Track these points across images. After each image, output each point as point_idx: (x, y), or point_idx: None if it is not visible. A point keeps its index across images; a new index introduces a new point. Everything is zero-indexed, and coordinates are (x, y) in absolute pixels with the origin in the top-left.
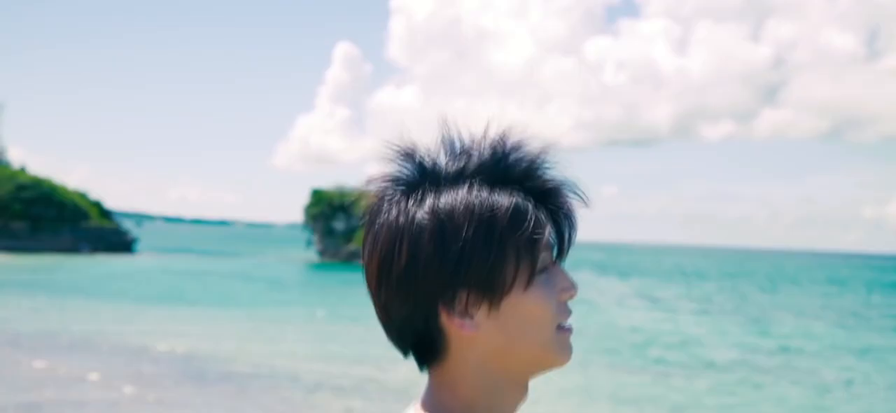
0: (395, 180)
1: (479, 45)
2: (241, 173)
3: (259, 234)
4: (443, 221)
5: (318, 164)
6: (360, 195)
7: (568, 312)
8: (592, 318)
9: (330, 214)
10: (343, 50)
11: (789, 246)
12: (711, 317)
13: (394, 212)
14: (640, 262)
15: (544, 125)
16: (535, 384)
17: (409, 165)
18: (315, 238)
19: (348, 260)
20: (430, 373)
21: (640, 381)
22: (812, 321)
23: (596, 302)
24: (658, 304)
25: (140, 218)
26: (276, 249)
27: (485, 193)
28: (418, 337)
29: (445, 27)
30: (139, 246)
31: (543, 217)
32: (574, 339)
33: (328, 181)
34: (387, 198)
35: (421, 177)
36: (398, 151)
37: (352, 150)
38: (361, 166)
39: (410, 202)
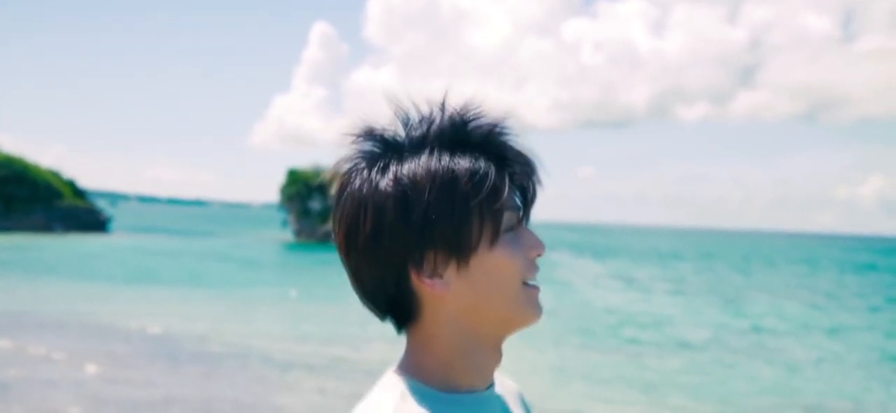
0: (360, 156)
1: (456, 25)
2: (218, 153)
3: (235, 215)
4: (405, 187)
5: (294, 144)
6: (333, 176)
7: (535, 270)
8: (567, 298)
9: (306, 194)
10: (320, 30)
11: (764, 227)
12: (686, 297)
13: (357, 182)
14: (615, 244)
15: (522, 106)
16: (509, 364)
17: (371, 141)
18: (291, 218)
19: (324, 240)
20: (407, 335)
21: (613, 361)
22: (784, 301)
23: (571, 282)
24: (633, 284)
25: (114, 197)
26: (251, 230)
27: (446, 158)
28: (391, 300)
29: (423, 7)
30: (113, 225)
31: (504, 177)
32: (548, 319)
33: (305, 161)
34: (352, 171)
35: (383, 149)
36: (358, 133)
37: (329, 129)
38: (338, 146)
39: (373, 172)
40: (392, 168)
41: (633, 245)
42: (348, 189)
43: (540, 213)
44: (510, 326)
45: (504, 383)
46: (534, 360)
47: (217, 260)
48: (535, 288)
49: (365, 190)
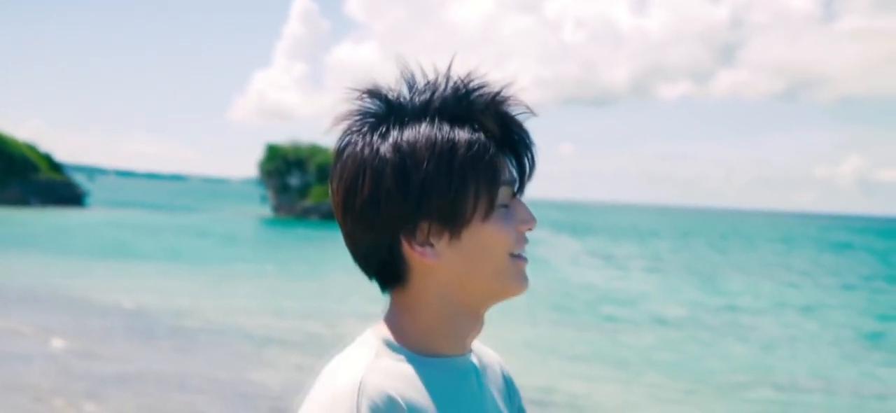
0: (363, 114)
1: (438, 1)
2: (197, 128)
3: (214, 189)
4: (405, 155)
5: (274, 119)
6: (314, 151)
7: (524, 243)
8: (545, 275)
9: (285, 170)
10: (301, 5)
11: (743, 205)
12: (663, 275)
13: (360, 144)
14: (595, 221)
15: (501, 83)
16: (485, 339)
17: (374, 101)
18: (269, 194)
19: (303, 216)
20: (391, 296)
21: (589, 338)
22: (761, 279)
23: (549, 259)
24: (611, 261)
25: (92, 171)
26: (230, 205)
27: (446, 128)
28: (382, 264)
29: None
30: (90, 200)
31: (503, 152)
32: (525, 296)
33: (285, 136)
34: (354, 130)
35: (387, 111)
36: (363, 90)
37: (309, 105)
38: (318, 122)
39: (375, 136)
40: (393, 134)
41: (613, 222)
42: (350, 150)
43: None
44: (496, 297)
45: (486, 354)
46: (510, 336)
47: (195, 235)
48: (523, 260)
49: (366, 153)
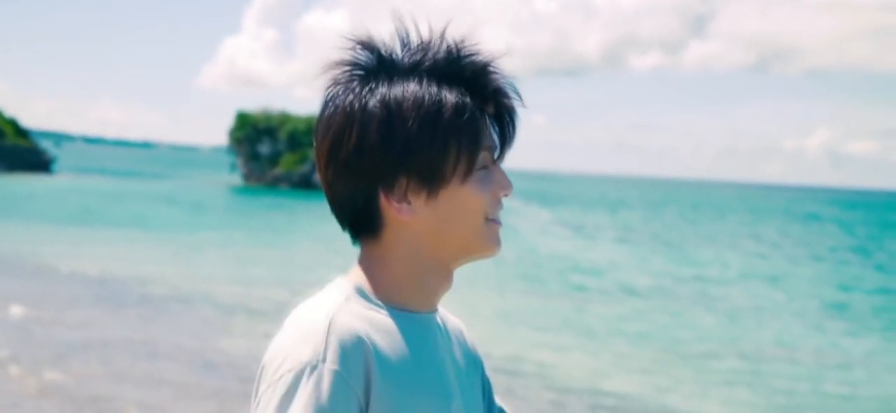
0: (353, 66)
1: None
2: (166, 94)
3: (183, 157)
4: (391, 111)
5: (244, 87)
6: (285, 119)
7: (499, 207)
8: (514, 244)
9: (255, 138)
10: None
11: (713, 177)
12: (632, 245)
13: (349, 96)
14: (566, 191)
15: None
16: (452, 308)
17: (366, 54)
18: (239, 162)
19: (273, 184)
20: (362, 247)
21: (557, 307)
22: (729, 250)
23: (518, 229)
24: (581, 232)
25: (59, 138)
26: (200, 173)
27: (434, 89)
28: (357, 214)
29: None
30: (58, 166)
31: (487, 118)
32: (494, 265)
33: (255, 104)
34: (343, 82)
35: (378, 65)
36: (357, 40)
37: (279, 72)
38: (289, 89)
39: (364, 89)
40: (381, 89)
41: (583, 193)
42: (338, 101)
43: None
44: (468, 256)
45: (450, 319)
46: (478, 304)
47: (163, 203)
48: (497, 223)
49: (354, 106)
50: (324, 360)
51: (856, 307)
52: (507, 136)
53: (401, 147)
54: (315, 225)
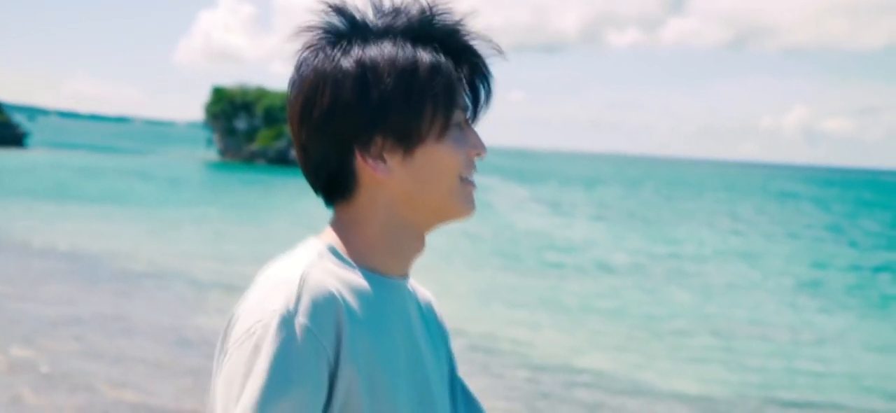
0: (325, 30)
1: None
2: (141, 69)
3: (159, 132)
4: (366, 69)
5: (221, 62)
6: (261, 94)
7: (473, 168)
8: (490, 221)
9: (231, 113)
10: None
11: (690, 154)
12: (609, 222)
13: (321, 57)
14: (543, 169)
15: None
16: (430, 283)
17: (339, 18)
18: (216, 137)
19: (250, 160)
20: (336, 211)
21: (533, 284)
22: (704, 228)
23: (495, 206)
24: (557, 209)
25: (33, 112)
26: (176, 148)
27: (409, 48)
28: (331, 175)
29: None
30: (31, 140)
31: (461, 76)
32: (470, 242)
33: (232, 79)
34: (316, 45)
35: (350, 29)
36: (329, 5)
37: (256, 47)
38: (266, 64)
39: (337, 50)
40: (355, 49)
41: (560, 170)
42: (310, 62)
43: None
44: (442, 217)
45: (421, 290)
46: (453, 281)
47: (139, 178)
48: (472, 184)
49: (327, 66)
50: (294, 314)
51: (830, 285)
52: (480, 97)
53: (376, 105)
54: (291, 201)
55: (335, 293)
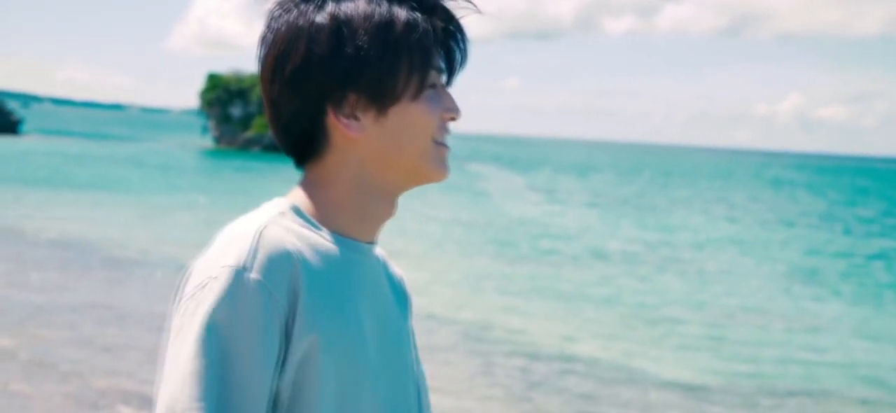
0: None
1: None
2: (135, 56)
3: (154, 120)
4: (341, 24)
5: (216, 48)
6: (257, 80)
7: (447, 131)
8: (484, 209)
9: (226, 100)
10: None
11: (685, 142)
12: (603, 210)
13: (294, 12)
14: (538, 156)
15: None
16: (423, 273)
17: None
18: (211, 124)
19: (245, 147)
20: (306, 172)
21: (527, 272)
22: (699, 215)
23: (489, 193)
24: (552, 196)
25: (26, 99)
26: (170, 135)
27: (385, 5)
28: (302, 134)
29: None
30: (25, 127)
31: (436, 36)
32: (464, 230)
33: (227, 66)
34: (288, 1)
35: None
36: None
37: (251, 34)
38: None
39: (310, 5)
40: (330, 4)
41: (555, 157)
42: (283, 18)
43: (463, 125)
44: (416, 179)
45: (391, 264)
46: (448, 269)
47: (133, 165)
48: (445, 147)
49: (300, 21)
50: (248, 268)
51: (824, 272)
52: (456, 58)
53: (351, 61)
54: (286, 188)
55: (292, 251)
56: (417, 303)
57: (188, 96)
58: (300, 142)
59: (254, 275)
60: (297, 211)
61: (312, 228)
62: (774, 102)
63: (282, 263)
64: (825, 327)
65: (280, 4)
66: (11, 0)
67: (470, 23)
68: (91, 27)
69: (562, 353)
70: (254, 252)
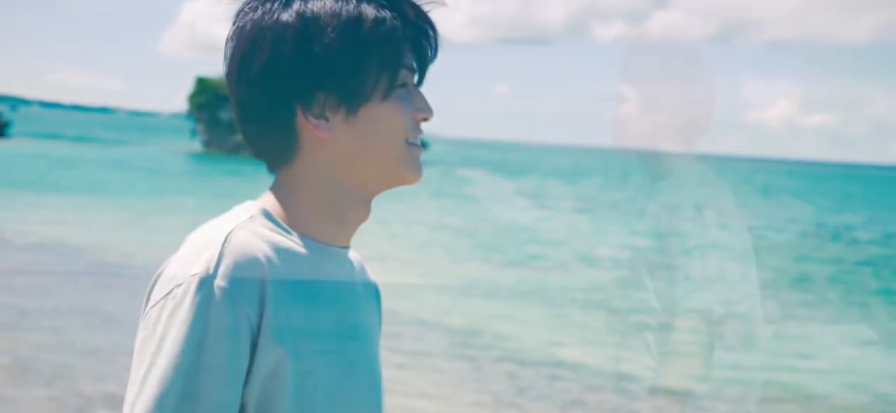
0: None
1: None
2: (125, 60)
3: (143, 123)
4: (308, 22)
5: (206, 53)
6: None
7: (419, 132)
8: (474, 214)
9: (215, 104)
10: None
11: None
12: (593, 215)
13: (259, 12)
14: (528, 161)
15: (437, 19)
16: (410, 277)
17: None
18: (200, 128)
19: (234, 151)
20: (276, 173)
21: (517, 277)
22: (687, 221)
23: (479, 198)
24: (542, 201)
25: (14, 102)
26: (159, 139)
27: (352, 2)
28: (272, 137)
29: None
30: (13, 130)
31: (406, 34)
32: (452, 235)
33: (216, 70)
34: (253, 1)
35: None
36: None
37: None
38: None
39: (276, 4)
40: (296, 3)
41: (545, 163)
42: (248, 16)
43: (454, 130)
44: (388, 181)
45: (367, 271)
46: (436, 273)
47: (122, 169)
48: (418, 147)
49: (266, 20)
50: (213, 275)
51: (814, 278)
52: (427, 55)
53: (318, 60)
54: None
55: (260, 257)
56: (405, 308)
57: (177, 100)
58: (269, 143)
59: (220, 282)
60: (268, 215)
61: (283, 232)
62: (764, 109)
63: (249, 271)
64: (813, 334)
65: (246, 3)
66: (1, 3)
67: (460, 29)
68: (81, 31)
69: (550, 358)
70: (220, 259)
